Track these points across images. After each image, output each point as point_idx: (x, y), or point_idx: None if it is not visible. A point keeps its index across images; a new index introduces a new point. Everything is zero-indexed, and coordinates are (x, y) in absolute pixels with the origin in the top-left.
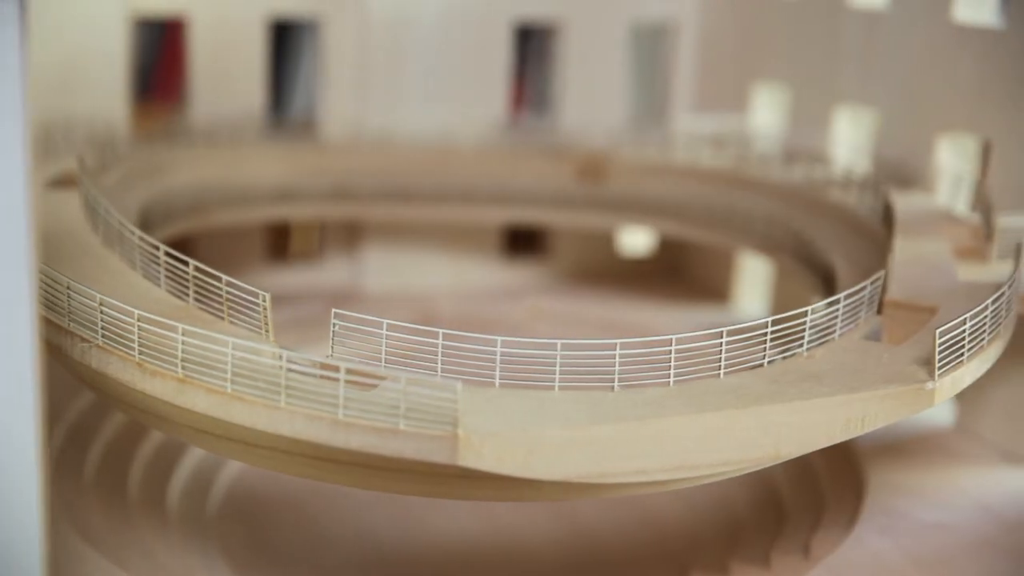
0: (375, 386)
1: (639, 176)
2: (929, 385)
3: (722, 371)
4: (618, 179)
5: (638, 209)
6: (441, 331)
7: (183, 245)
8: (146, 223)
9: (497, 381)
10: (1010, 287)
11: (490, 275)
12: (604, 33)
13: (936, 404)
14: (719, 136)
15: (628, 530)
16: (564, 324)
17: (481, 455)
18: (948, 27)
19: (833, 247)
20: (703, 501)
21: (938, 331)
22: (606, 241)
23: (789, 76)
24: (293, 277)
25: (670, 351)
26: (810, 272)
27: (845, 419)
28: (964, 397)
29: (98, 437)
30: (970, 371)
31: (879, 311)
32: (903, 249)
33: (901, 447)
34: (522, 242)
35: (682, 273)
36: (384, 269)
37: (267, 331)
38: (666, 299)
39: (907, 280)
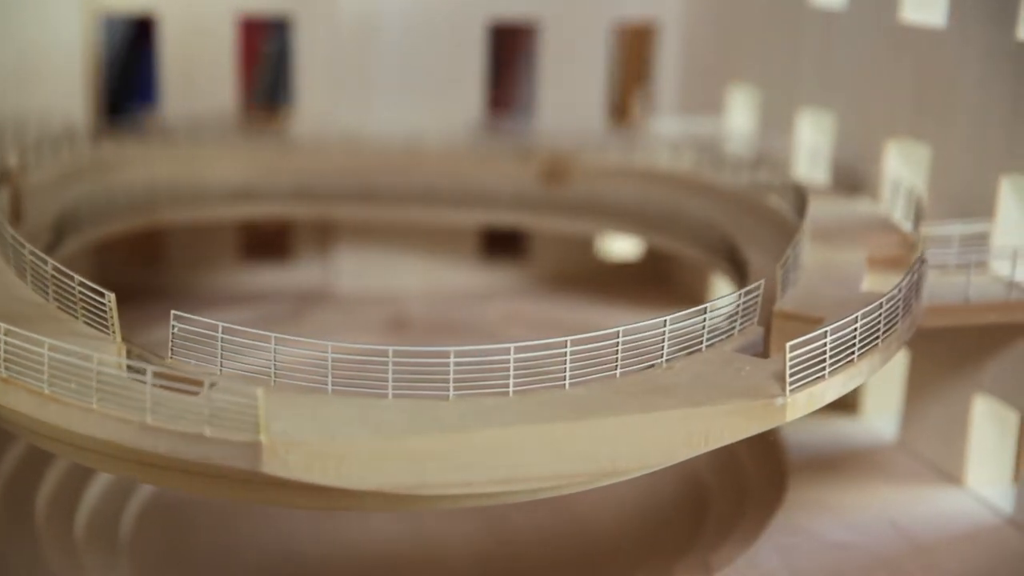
0: (198, 392)
1: (602, 179)
2: (779, 400)
3: (567, 381)
4: (582, 182)
5: (596, 212)
6: (274, 335)
7: (156, 242)
8: (85, 219)
9: (330, 387)
10: (889, 300)
11: (467, 278)
12: (582, 34)
13: (788, 420)
14: (688, 139)
15: (550, 536)
16: (539, 328)
17: (287, 463)
18: (894, 28)
19: (758, 253)
20: (632, 504)
21: (789, 344)
22: (587, 245)
23: (759, 78)
24: (266, 277)
25: (509, 359)
26: (738, 279)
27: (686, 434)
28: (906, 414)
29: (8, 453)
30: (833, 386)
31: (761, 321)
32: (814, 257)
33: (835, 463)
34: (500, 244)
35: (663, 278)
36: (358, 270)
37: (114, 332)
38: (645, 304)
39: (805, 290)
